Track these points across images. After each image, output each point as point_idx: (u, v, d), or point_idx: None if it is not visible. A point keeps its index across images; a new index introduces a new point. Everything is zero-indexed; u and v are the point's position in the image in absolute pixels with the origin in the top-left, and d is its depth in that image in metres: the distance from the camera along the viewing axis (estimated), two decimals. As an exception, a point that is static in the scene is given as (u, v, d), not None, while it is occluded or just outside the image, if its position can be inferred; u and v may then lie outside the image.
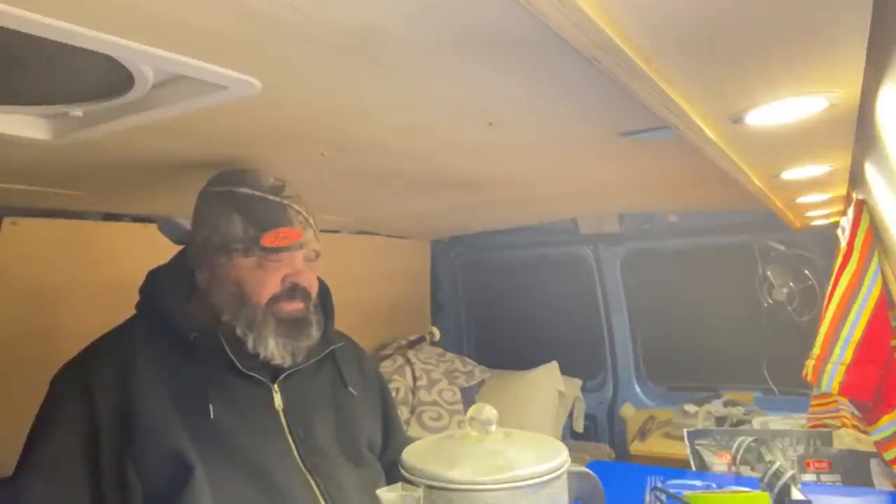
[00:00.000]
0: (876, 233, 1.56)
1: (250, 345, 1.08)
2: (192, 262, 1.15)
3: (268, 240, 1.08)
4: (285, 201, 1.12)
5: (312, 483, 1.08)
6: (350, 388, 1.24)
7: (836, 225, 2.30)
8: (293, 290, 1.11)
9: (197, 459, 0.99)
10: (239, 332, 1.08)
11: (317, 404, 1.18)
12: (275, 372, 1.13)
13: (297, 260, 1.12)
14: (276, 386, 1.12)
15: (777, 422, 2.44)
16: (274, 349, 1.09)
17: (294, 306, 1.12)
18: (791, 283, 2.77)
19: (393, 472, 1.20)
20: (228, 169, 1.19)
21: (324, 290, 1.28)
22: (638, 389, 3.24)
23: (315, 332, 1.15)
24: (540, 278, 3.51)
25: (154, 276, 1.18)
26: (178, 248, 1.25)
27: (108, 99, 0.85)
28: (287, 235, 1.09)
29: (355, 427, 1.22)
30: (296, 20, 0.64)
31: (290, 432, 1.11)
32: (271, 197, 1.11)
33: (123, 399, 1.01)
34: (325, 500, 1.07)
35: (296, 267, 1.12)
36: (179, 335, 1.07)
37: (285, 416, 1.12)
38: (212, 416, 1.02)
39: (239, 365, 1.07)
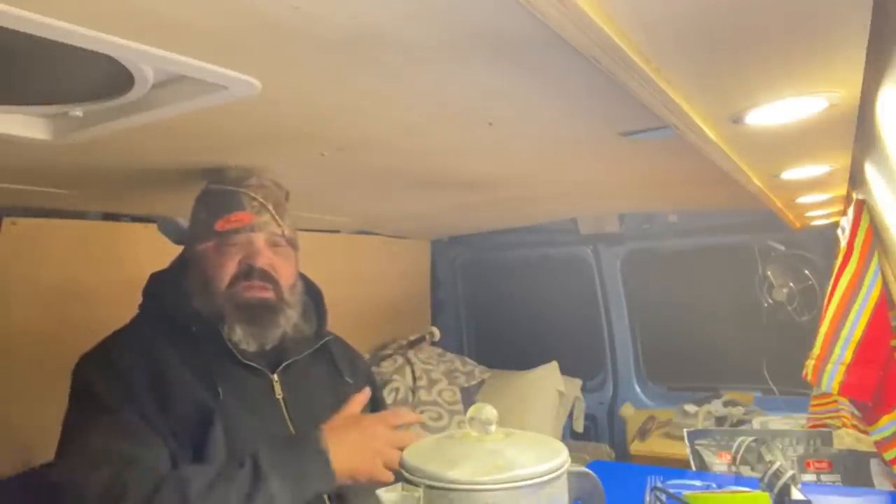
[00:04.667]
0: (876, 233, 1.56)
1: (224, 332, 1.11)
2: (183, 263, 1.22)
3: (219, 224, 1.15)
4: (241, 189, 1.18)
5: None
6: (346, 377, 1.29)
7: (836, 225, 2.30)
8: (250, 272, 1.14)
9: (218, 418, 1.04)
10: (208, 318, 1.12)
11: (316, 394, 1.22)
12: (274, 363, 1.17)
13: (257, 243, 1.16)
14: (275, 376, 1.16)
15: (777, 422, 2.44)
16: (241, 335, 1.13)
17: (254, 292, 1.14)
18: (791, 283, 2.76)
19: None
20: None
21: (316, 293, 1.33)
22: (638, 389, 3.24)
23: (284, 321, 1.17)
24: (540, 278, 3.51)
25: (155, 278, 1.23)
26: (179, 248, 1.27)
27: (108, 99, 0.85)
28: (237, 219, 1.15)
29: None
30: (296, 20, 0.64)
31: (291, 420, 1.14)
32: (229, 187, 1.18)
33: (151, 368, 1.06)
34: None
35: (253, 248, 1.15)
36: (182, 329, 1.12)
37: (286, 405, 1.15)
38: (221, 397, 1.07)
39: (238, 355, 1.12)
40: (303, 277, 1.30)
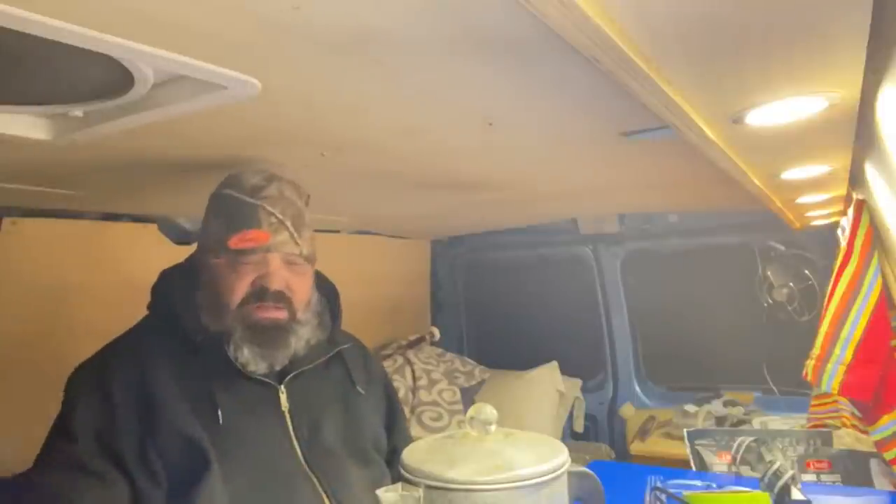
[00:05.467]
0: (876, 233, 1.56)
1: (230, 350, 1.06)
2: (193, 267, 1.17)
3: (233, 241, 1.07)
4: (259, 202, 1.08)
5: (316, 483, 1.09)
6: (359, 388, 1.24)
7: (836, 225, 2.30)
8: (262, 293, 1.07)
9: (211, 452, 1.01)
10: (217, 335, 1.07)
11: (324, 404, 1.19)
12: (283, 373, 1.13)
13: (272, 263, 1.08)
14: (282, 387, 1.13)
15: (777, 422, 2.44)
16: (248, 356, 1.07)
17: (266, 313, 1.08)
18: (791, 283, 2.77)
19: (395, 472, 1.21)
20: (234, 169, 1.18)
21: (331, 292, 1.27)
22: (638, 389, 3.23)
23: (295, 341, 1.11)
24: (540, 278, 3.51)
25: (165, 277, 1.18)
26: (179, 248, 1.26)
27: (108, 99, 0.85)
28: (252, 238, 1.06)
29: (362, 427, 1.22)
30: (296, 21, 0.64)
31: (295, 434, 1.11)
32: (247, 198, 1.09)
33: (142, 392, 1.03)
34: (329, 499, 1.08)
35: (268, 269, 1.08)
36: (188, 336, 1.08)
37: (291, 417, 1.12)
38: (220, 422, 1.03)
39: (243, 370, 1.08)
40: (317, 275, 1.23)
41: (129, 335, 1.14)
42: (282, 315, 1.10)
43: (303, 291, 1.14)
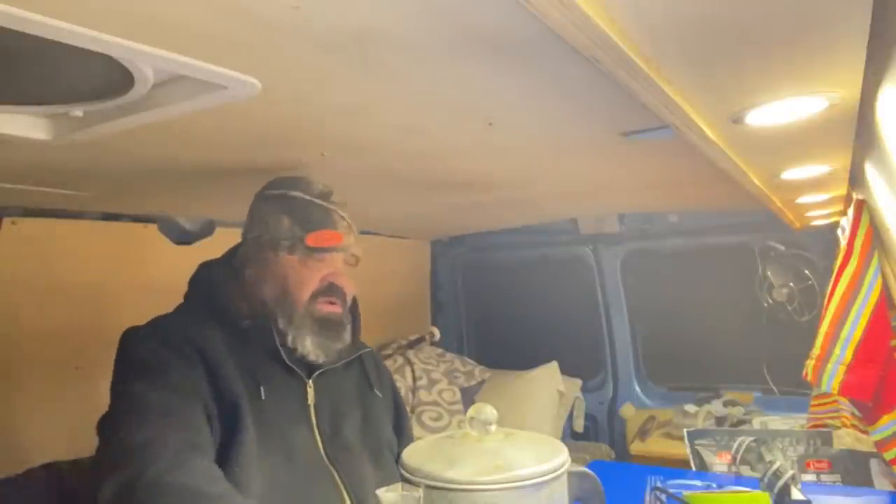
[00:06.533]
0: (876, 233, 1.57)
1: (289, 339, 1.14)
2: (241, 259, 1.22)
3: (312, 239, 1.16)
4: (331, 206, 1.21)
5: (335, 475, 1.13)
6: (376, 391, 1.31)
7: (836, 225, 2.31)
8: (331, 290, 1.18)
9: (251, 421, 1.06)
10: (281, 325, 1.15)
11: (345, 402, 1.24)
12: (310, 368, 1.19)
13: (338, 262, 1.20)
14: (310, 381, 1.19)
15: (777, 422, 2.44)
16: (310, 347, 1.16)
17: (331, 307, 1.18)
18: (791, 283, 2.77)
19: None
20: (283, 175, 1.26)
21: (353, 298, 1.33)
22: (638, 389, 3.23)
23: (347, 336, 1.21)
24: (540, 278, 3.51)
25: (205, 268, 1.25)
26: (179, 247, 1.26)
27: (108, 99, 0.85)
28: (330, 237, 1.18)
29: (379, 428, 1.27)
30: (296, 21, 0.64)
31: (318, 428, 1.17)
32: (319, 201, 1.20)
33: (199, 351, 1.08)
34: (347, 492, 1.12)
35: (336, 268, 1.19)
36: (231, 323, 1.14)
37: (315, 411, 1.18)
38: (263, 398, 1.09)
39: (284, 356, 1.14)
40: None
41: (173, 315, 1.18)
42: (339, 309, 1.20)
43: (350, 291, 1.24)
